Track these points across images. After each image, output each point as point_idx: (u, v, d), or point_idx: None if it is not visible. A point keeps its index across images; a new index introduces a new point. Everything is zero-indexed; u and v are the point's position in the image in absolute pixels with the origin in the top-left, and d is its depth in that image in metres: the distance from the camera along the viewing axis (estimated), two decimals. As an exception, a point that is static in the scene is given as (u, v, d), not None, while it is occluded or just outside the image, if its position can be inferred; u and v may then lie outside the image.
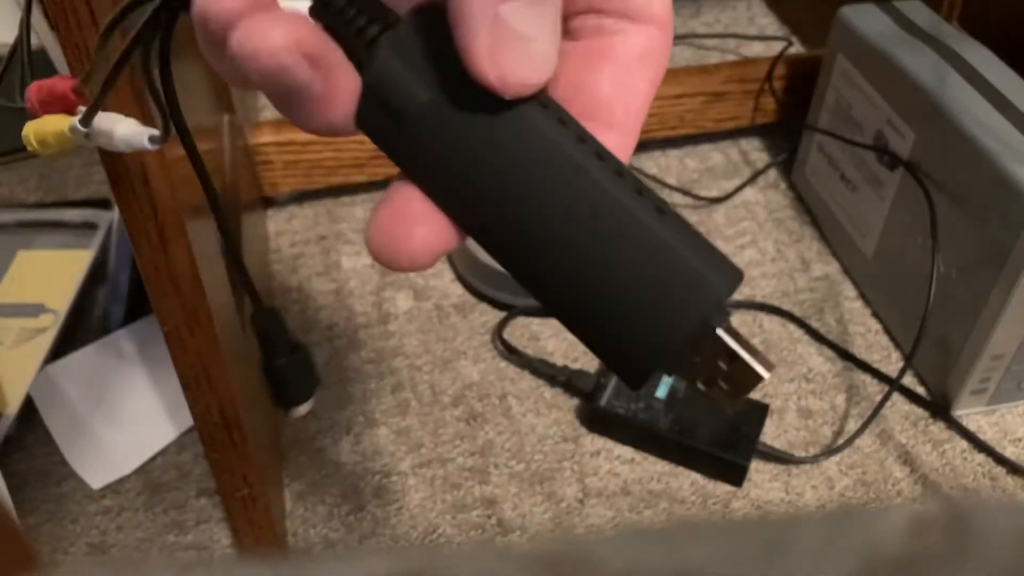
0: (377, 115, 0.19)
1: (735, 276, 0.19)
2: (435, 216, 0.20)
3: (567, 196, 0.19)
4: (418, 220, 0.20)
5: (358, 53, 0.19)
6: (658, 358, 0.19)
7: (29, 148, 0.29)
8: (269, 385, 0.38)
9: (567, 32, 0.21)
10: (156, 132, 0.29)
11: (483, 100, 0.19)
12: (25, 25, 0.33)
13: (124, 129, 0.29)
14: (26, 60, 0.32)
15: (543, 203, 0.19)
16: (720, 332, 0.19)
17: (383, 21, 0.19)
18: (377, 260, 0.20)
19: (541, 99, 0.19)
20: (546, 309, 0.20)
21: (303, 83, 0.19)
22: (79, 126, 0.28)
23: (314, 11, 0.20)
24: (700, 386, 0.20)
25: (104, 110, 0.28)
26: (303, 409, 0.39)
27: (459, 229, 0.20)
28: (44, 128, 0.28)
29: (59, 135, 0.28)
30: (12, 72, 0.33)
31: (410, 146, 0.19)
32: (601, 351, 0.20)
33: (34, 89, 0.28)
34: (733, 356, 0.19)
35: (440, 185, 0.20)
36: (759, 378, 0.19)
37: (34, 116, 0.28)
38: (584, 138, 0.19)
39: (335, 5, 0.20)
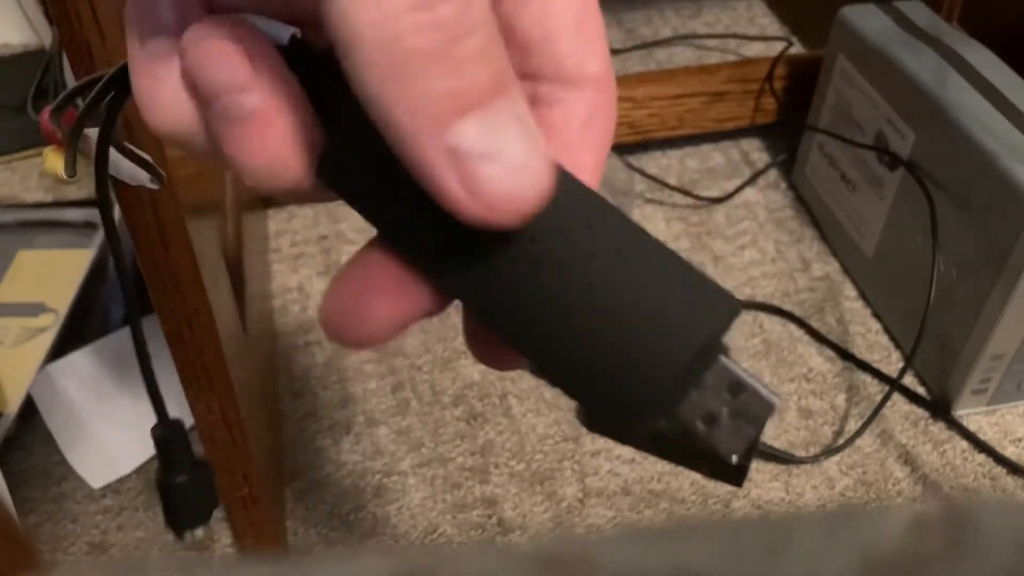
0: (350, 167, 0.18)
1: (735, 306, 0.17)
2: (403, 286, 0.18)
3: (565, 239, 0.17)
4: (384, 292, 0.18)
5: (334, 104, 0.18)
6: (656, 396, 0.17)
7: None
8: (163, 503, 0.36)
9: None
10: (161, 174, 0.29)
11: None
12: (58, 36, 0.33)
13: (128, 168, 0.29)
14: (57, 72, 0.32)
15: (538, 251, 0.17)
16: (724, 361, 0.18)
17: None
18: (333, 339, 0.18)
19: None
20: (540, 365, 0.18)
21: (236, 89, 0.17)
22: (64, 175, 0.27)
23: (291, 60, 0.18)
24: (700, 426, 0.18)
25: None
26: (199, 532, 0.37)
27: (433, 296, 0.18)
28: (51, 166, 0.29)
29: (55, 168, 0.29)
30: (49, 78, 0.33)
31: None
32: (594, 398, 0.18)
33: (42, 117, 0.29)
34: (740, 386, 0.17)
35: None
36: (770, 407, 0.18)
37: (49, 139, 0.29)
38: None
39: (317, 54, 0.18)
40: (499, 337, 0.18)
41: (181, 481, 0.36)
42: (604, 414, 0.18)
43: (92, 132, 0.25)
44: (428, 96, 0.15)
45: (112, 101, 0.23)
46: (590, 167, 0.19)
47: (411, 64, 0.14)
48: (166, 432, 0.34)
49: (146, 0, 0.19)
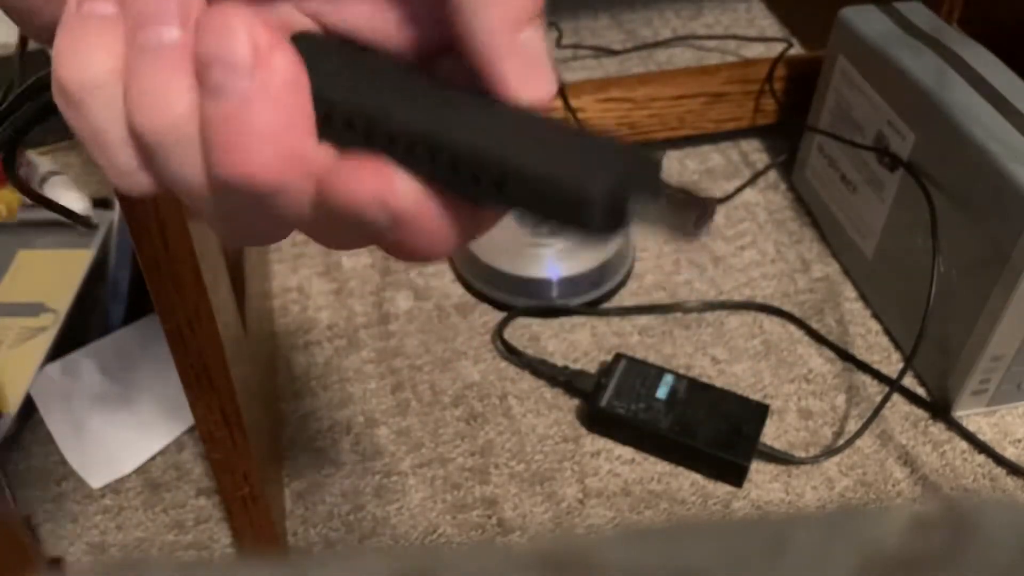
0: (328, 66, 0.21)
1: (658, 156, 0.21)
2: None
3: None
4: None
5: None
6: (617, 178, 0.19)
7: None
8: None
9: None
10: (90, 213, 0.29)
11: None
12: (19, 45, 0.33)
13: (70, 201, 0.29)
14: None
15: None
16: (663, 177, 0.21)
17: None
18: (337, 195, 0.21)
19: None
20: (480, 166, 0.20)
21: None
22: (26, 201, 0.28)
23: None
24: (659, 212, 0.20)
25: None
26: None
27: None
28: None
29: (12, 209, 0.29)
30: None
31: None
32: (549, 181, 0.20)
33: None
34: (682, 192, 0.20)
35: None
36: (711, 200, 0.20)
37: None
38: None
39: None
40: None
41: None
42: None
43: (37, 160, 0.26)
44: (515, 8, 0.20)
45: (28, 116, 0.24)
46: None
47: None
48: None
49: None
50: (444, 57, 0.22)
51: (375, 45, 0.22)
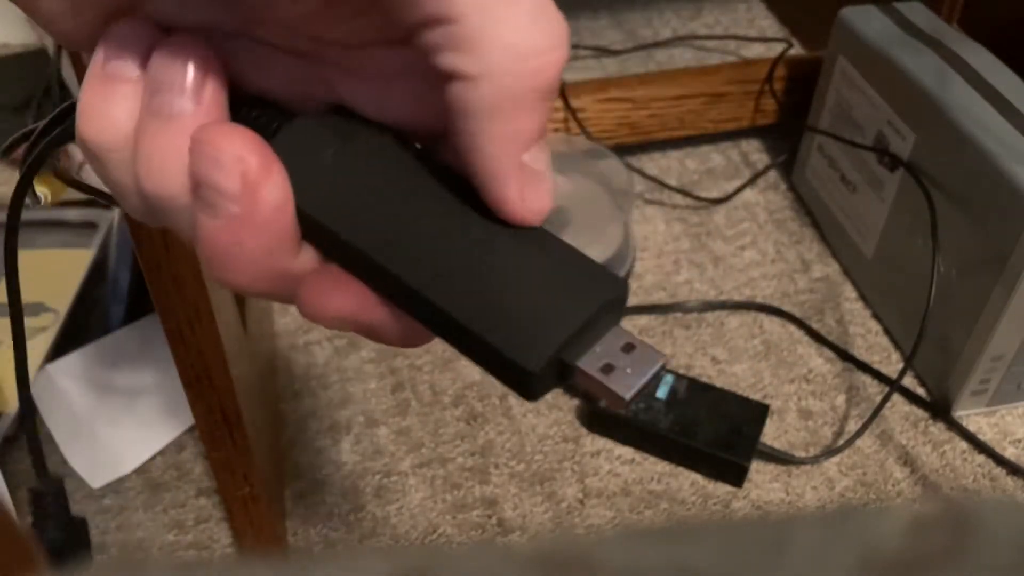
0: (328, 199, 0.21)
1: (623, 283, 0.21)
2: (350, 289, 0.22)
3: (454, 230, 0.21)
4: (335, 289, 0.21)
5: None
6: (564, 343, 0.20)
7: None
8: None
9: None
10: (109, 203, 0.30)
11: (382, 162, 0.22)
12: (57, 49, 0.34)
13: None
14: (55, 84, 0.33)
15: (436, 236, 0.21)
16: (619, 327, 0.21)
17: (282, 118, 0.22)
18: (302, 311, 0.22)
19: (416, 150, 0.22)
20: (441, 331, 0.22)
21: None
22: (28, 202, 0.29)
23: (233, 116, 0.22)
24: (600, 375, 0.21)
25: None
26: None
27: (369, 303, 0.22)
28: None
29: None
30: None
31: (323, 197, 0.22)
32: (493, 348, 0.21)
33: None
34: (631, 345, 0.21)
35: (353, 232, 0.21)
36: (660, 357, 0.21)
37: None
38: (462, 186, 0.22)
39: (247, 114, 0.22)
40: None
41: (55, 536, 0.37)
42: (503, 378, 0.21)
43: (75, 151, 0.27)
44: (522, 131, 0.20)
45: (43, 148, 0.25)
46: None
47: (529, 99, 0.19)
48: (47, 489, 0.36)
49: (120, 28, 0.21)
50: (443, 142, 0.23)
51: (373, 122, 0.22)
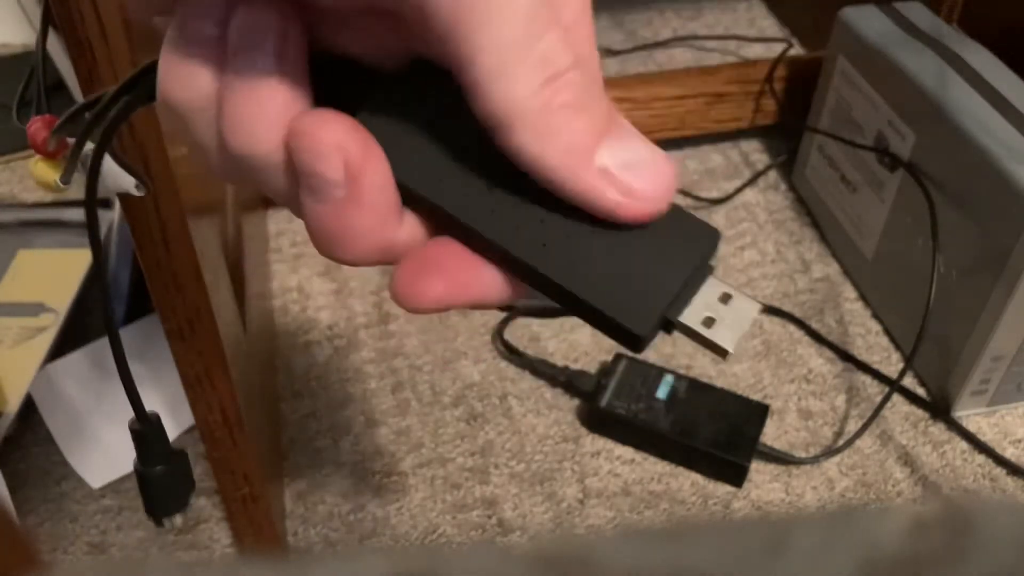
0: (427, 174, 0.22)
1: (717, 234, 0.22)
2: (461, 267, 0.22)
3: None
4: (438, 271, 0.22)
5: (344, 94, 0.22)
6: (668, 302, 0.21)
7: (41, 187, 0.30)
8: (141, 492, 0.38)
9: None
10: (142, 182, 0.30)
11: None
12: (40, 40, 0.34)
13: (113, 178, 0.29)
14: (40, 77, 0.33)
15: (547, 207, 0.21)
16: (712, 278, 0.22)
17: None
18: (400, 305, 0.22)
19: None
20: (553, 293, 0.22)
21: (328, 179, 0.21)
22: (60, 183, 0.28)
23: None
24: (701, 327, 0.22)
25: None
26: (178, 520, 0.38)
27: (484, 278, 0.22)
28: (40, 175, 0.29)
29: (52, 183, 0.29)
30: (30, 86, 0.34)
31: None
32: (604, 314, 0.21)
33: (30, 127, 0.29)
34: (727, 295, 0.22)
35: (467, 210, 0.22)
36: (754, 306, 0.22)
37: (37, 149, 0.29)
38: None
39: (329, 82, 0.22)
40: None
41: (159, 471, 0.38)
42: (620, 314, 0.21)
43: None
44: (576, 136, 0.19)
45: (122, 109, 0.24)
46: None
47: (559, 117, 0.19)
48: (144, 425, 0.36)
49: None
50: None
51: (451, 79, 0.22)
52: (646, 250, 0.21)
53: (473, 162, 0.22)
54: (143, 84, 0.24)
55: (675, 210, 0.22)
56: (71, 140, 0.28)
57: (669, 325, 0.22)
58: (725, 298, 0.22)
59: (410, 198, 0.22)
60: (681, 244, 0.21)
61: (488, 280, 0.22)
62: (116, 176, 0.29)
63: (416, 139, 0.22)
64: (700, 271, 0.22)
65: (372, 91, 0.22)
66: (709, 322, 0.22)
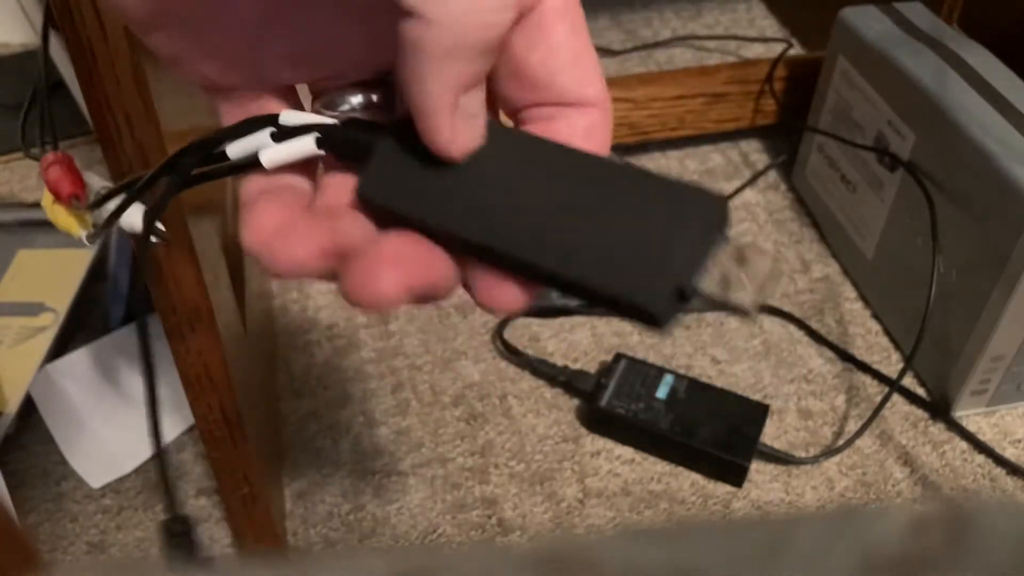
0: (383, 183, 0.24)
1: (723, 201, 0.22)
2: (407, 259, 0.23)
3: (562, 174, 0.23)
4: (390, 263, 0.23)
5: (359, 154, 0.24)
6: (679, 272, 0.21)
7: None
8: None
9: (520, 122, 0.25)
10: (162, 230, 0.31)
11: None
12: (43, 55, 0.34)
13: (132, 221, 0.29)
14: (43, 79, 0.33)
15: (546, 188, 0.22)
16: (728, 240, 0.22)
17: (373, 132, 0.25)
18: (353, 305, 0.23)
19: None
20: (562, 284, 0.22)
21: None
22: (87, 242, 0.29)
23: (320, 142, 0.25)
24: (719, 290, 0.22)
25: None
26: None
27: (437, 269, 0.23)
28: (61, 222, 0.29)
29: (68, 228, 0.30)
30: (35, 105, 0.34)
31: (418, 194, 0.24)
32: (615, 297, 0.22)
33: (44, 167, 0.29)
34: (742, 254, 0.22)
35: (448, 214, 0.23)
36: (771, 260, 0.22)
37: (52, 191, 0.29)
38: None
39: (336, 136, 0.25)
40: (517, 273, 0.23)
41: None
42: (638, 292, 0.22)
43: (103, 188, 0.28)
44: (464, 72, 0.22)
45: (169, 188, 0.26)
46: None
47: (468, 55, 0.21)
48: (177, 527, 0.35)
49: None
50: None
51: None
52: (651, 227, 0.21)
53: (466, 180, 0.23)
54: (178, 168, 0.26)
55: (679, 184, 0.22)
56: (90, 182, 0.29)
57: (685, 296, 0.22)
58: (740, 258, 0.22)
59: (427, 231, 0.23)
60: (687, 216, 0.21)
61: (443, 266, 0.23)
62: (135, 224, 0.30)
63: (417, 172, 0.23)
64: (711, 239, 0.22)
65: (376, 146, 0.24)
66: (725, 284, 0.21)
